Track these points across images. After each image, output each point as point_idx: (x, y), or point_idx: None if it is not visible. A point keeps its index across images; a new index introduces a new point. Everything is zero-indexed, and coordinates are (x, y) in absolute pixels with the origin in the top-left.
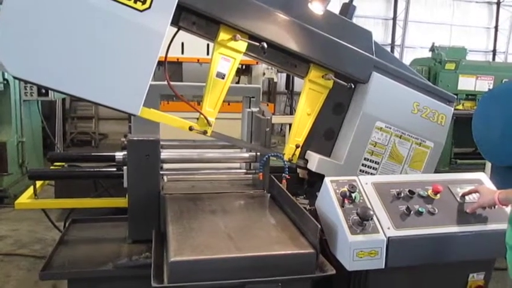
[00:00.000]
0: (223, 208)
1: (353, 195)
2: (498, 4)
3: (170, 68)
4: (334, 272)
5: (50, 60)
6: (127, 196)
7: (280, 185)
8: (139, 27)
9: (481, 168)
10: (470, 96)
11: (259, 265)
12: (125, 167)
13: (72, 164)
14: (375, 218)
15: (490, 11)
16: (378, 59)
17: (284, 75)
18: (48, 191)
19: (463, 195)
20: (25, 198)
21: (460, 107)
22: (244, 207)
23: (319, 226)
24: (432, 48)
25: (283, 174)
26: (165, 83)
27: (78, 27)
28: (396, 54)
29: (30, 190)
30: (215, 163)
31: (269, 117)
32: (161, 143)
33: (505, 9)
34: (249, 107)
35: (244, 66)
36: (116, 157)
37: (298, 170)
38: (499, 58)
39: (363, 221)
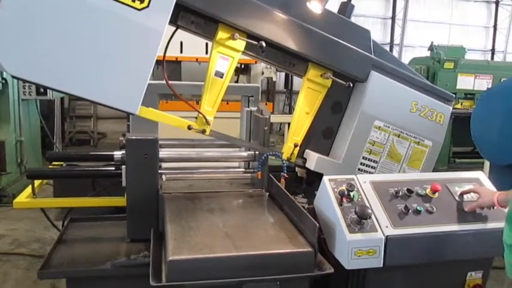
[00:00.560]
0: (221, 207)
1: (351, 194)
2: (497, 3)
3: (169, 67)
4: (332, 270)
5: (49, 59)
6: (125, 195)
7: (279, 184)
8: (137, 26)
9: (479, 167)
10: (469, 95)
11: (257, 264)
12: (123, 166)
13: (71, 163)
14: (373, 216)
15: (489, 10)
16: (376, 58)
17: (283, 74)
18: (47, 190)
19: (462, 194)
20: (23, 198)
21: (458, 106)
22: (243, 206)
23: (318, 225)
24: (431, 48)
25: (282, 173)
26: (164, 82)
27: (77, 26)
28: (395, 53)
29: (29, 189)
30: (214, 162)
31: (268, 116)
32: (160, 142)
33: (504, 8)
34: (248, 106)
35: (243, 65)
36: (115, 156)
37: (297, 169)
38: (498, 57)
39: (361, 219)
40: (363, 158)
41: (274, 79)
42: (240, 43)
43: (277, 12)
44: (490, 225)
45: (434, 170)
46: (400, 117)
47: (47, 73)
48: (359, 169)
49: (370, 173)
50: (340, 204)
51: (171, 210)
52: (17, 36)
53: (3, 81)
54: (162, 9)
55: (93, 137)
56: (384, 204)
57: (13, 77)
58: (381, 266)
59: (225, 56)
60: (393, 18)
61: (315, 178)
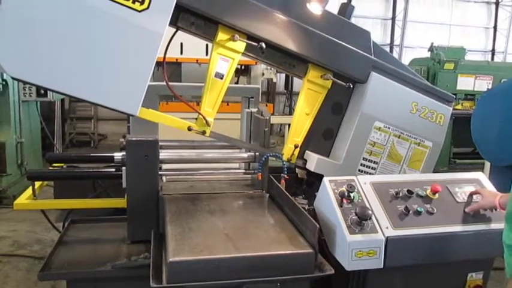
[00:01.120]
0: (222, 208)
1: (351, 195)
2: (497, 4)
3: (169, 69)
4: (332, 271)
5: (48, 60)
6: (126, 196)
7: (279, 185)
8: (137, 27)
9: (480, 168)
10: (469, 96)
11: (257, 265)
12: (123, 168)
13: (71, 165)
14: (373, 217)
15: (489, 11)
16: (376, 59)
17: (283, 75)
18: (47, 192)
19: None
20: (24, 199)
21: (459, 106)
22: (243, 208)
23: (318, 226)
24: (431, 48)
25: (282, 174)
26: (164, 83)
27: (76, 27)
28: (395, 54)
29: (29, 191)
30: (214, 163)
31: (268, 118)
32: (160, 143)
33: (504, 9)
34: (248, 107)
35: (243, 67)
36: (115, 158)
37: (297, 170)
38: (498, 58)
39: (361, 220)
40: (363, 159)
41: (274, 80)
42: (240, 44)
43: (277, 14)
44: (491, 226)
45: (435, 171)
46: (400, 118)
47: (47, 75)
48: (359, 170)
49: (370, 174)
50: (341, 205)
51: (171, 212)
52: (17, 38)
53: (4, 82)
54: (162, 10)
55: (94, 138)
56: (384, 205)
57: (13, 78)
58: (381, 267)
59: (225, 57)
60: (393, 19)
61: (315, 179)
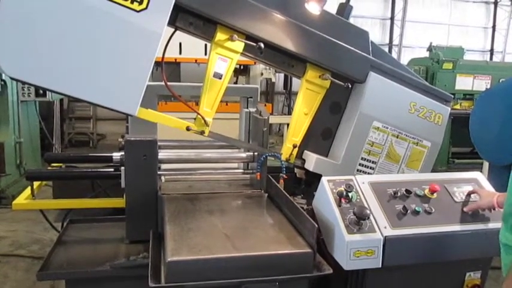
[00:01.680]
0: (220, 208)
1: (350, 194)
2: (495, 4)
3: (168, 68)
4: (331, 271)
5: (47, 61)
6: (125, 196)
7: (278, 184)
8: (136, 27)
9: (478, 167)
10: (468, 95)
11: (256, 265)
12: (122, 168)
13: (70, 165)
14: (371, 217)
15: (488, 11)
16: (374, 58)
17: (282, 75)
18: (46, 192)
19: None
20: (23, 199)
21: (457, 106)
22: (242, 207)
23: (316, 226)
24: (430, 48)
25: (281, 174)
26: (163, 83)
27: (75, 27)
28: (394, 54)
29: (28, 191)
30: (213, 163)
31: (266, 117)
32: (159, 143)
33: (503, 9)
34: (247, 107)
35: (242, 67)
36: (114, 157)
37: (296, 170)
38: (497, 58)
39: (359, 220)
40: (362, 158)
41: (273, 80)
42: (239, 44)
43: (276, 14)
44: (489, 225)
45: (434, 171)
46: (398, 118)
47: (45, 75)
48: (358, 170)
49: (368, 173)
50: (339, 205)
51: (170, 211)
52: (15, 38)
53: (2, 82)
54: (161, 10)
55: (92, 138)
56: (383, 204)
57: (12, 78)
58: (380, 266)
59: (223, 57)
60: (392, 18)
61: (313, 179)
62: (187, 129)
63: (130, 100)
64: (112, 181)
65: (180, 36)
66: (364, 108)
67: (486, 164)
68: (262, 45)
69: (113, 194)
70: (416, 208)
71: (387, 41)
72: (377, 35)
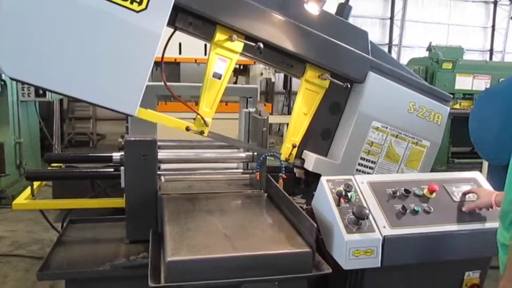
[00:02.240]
0: (220, 208)
1: (349, 194)
2: (495, 3)
3: (167, 68)
4: (330, 270)
5: (47, 61)
6: (124, 196)
7: (277, 184)
8: (135, 28)
9: (478, 167)
10: (468, 95)
11: (256, 264)
12: (122, 168)
13: (70, 165)
14: (370, 217)
15: (487, 11)
16: (374, 59)
17: (282, 75)
18: (46, 192)
19: (464, 194)
20: (23, 199)
21: (457, 106)
22: (241, 207)
23: (316, 225)
24: (429, 48)
25: (280, 174)
26: (162, 83)
27: (75, 28)
28: (394, 53)
29: (28, 191)
30: (212, 163)
31: (266, 117)
32: (158, 143)
33: (502, 9)
34: (246, 107)
35: (241, 66)
36: (113, 158)
37: (295, 170)
38: (496, 57)
39: (358, 220)
40: (361, 158)
41: (273, 80)
42: (238, 44)
43: (275, 14)
44: (487, 225)
45: (433, 170)
46: (397, 117)
47: (45, 75)
48: (357, 170)
49: (368, 173)
50: (338, 204)
51: (169, 211)
52: (15, 38)
53: (2, 83)
54: (160, 11)
55: (92, 138)
56: (382, 204)
57: (12, 79)
58: (379, 266)
59: (223, 57)
60: (392, 18)
61: (313, 179)
62: (187, 129)
63: (130, 100)
64: (112, 181)
65: (180, 36)
66: (364, 108)
67: (486, 164)
68: (261, 45)
69: (112, 194)
70: (415, 208)
71: (387, 41)
72: (376, 35)
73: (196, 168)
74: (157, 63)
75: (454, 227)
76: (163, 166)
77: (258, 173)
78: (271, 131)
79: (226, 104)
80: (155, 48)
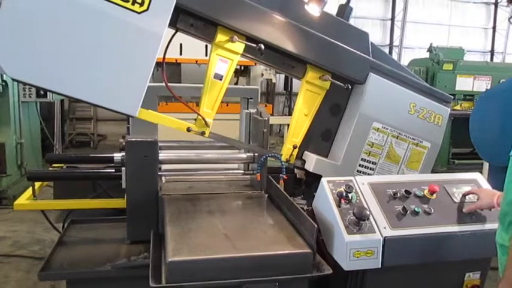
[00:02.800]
0: (221, 208)
1: (349, 195)
2: (496, 4)
3: (168, 69)
4: (331, 271)
5: (48, 62)
6: (125, 197)
7: (278, 185)
8: (137, 29)
9: (479, 168)
10: (468, 96)
11: (256, 265)
12: (123, 168)
13: (71, 165)
14: (371, 217)
15: (488, 12)
16: (374, 60)
17: (282, 76)
18: (47, 192)
19: (464, 195)
20: (24, 199)
21: (458, 107)
22: (242, 208)
23: (316, 226)
24: (430, 49)
25: (281, 175)
26: (163, 84)
27: (76, 28)
28: (394, 54)
29: (29, 191)
30: (213, 164)
31: (267, 118)
32: (159, 144)
33: (503, 10)
34: (247, 108)
35: (242, 67)
36: (115, 158)
37: (296, 171)
38: (497, 58)
39: (359, 220)
40: (362, 159)
41: (273, 81)
42: (239, 45)
43: (276, 15)
44: (488, 226)
45: (434, 171)
46: (398, 118)
47: (46, 76)
48: (358, 171)
49: (368, 174)
50: (339, 205)
51: (170, 212)
52: (16, 39)
53: (3, 83)
54: (162, 12)
55: (93, 139)
56: (382, 205)
57: (13, 79)
58: (379, 266)
59: (224, 58)
60: (392, 19)
61: (313, 180)
62: (188, 130)
63: (131, 101)
64: (113, 182)
65: (181, 37)
66: (364, 109)
67: (486, 165)
68: (262, 46)
69: (114, 194)
70: (416, 209)
71: (388, 42)
72: (377, 36)
73: (197, 168)
74: (158, 64)
75: (454, 228)
76: (164, 167)
77: (259, 174)
78: (272, 132)
79: (227, 105)
80: (156, 49)
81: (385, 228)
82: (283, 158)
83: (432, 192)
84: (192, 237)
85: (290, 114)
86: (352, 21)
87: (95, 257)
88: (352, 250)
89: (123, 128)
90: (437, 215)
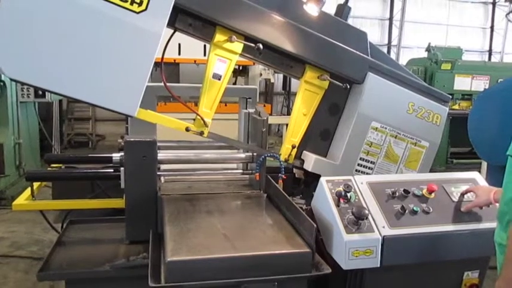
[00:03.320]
0: (220, 208)
1: (348, 194)
2: (494, 4)
3: (167, 69)
4: (330, 271)
5: (46, 62)
6: (124, 197)
7: (277, 185)
8: (135, 28)
9: (477, 167)
10: (466, 96)
11: (255, 265)
12: (122, 168)
13: (70, 166)
14: (370, 217)
15: (486, 11)
16: (373, 59)
17: (281, 75)
18: (46, 193)
19: (462, 194)
20: (22, 200)
21: (456, 106)
22: (241, 208)
23: (315, 226)
24: (428, 49)
25: (280, 175)
26: (162, 84)
27: (74, 29)
28: (393, 54)
29: (28, 191)
30: (212, 164)
31: (265, 118)
32: (158, 144)
33: (501, 9)
34: (246, 108)
35: (241, 67)
36: (113, 158)
37: (295, 170)
38: (495, 58)
39: (358, 220)
40: (360, 159)
41: (272, 80)
42: (238, 45)
43: (275, 15)
44: (486, 225)
45: (432, 171)
46: (397, 118)
47: (45, 76)
48: (356, 170)
49: (367, 173)
50: (338, 205)
51: (169, 212)
52: (15, 39)
53: (2, 83)
54: (160, 12)
55: (92, 139)
56: (381, 204)
57: (11, 79)
58: (378, 266)
59: (222, 58)
60: (391, 19)
61: (312, 179)
62: (187, 129)
63: (130, 101)
64: (112, 182)
65: (179, 36)
66: (363, 109)
67: (485, 164)
68: (261, 46)
69: (112, 194)
70: (415, 208)
71: (386, 42)
72: (376, 36)
73: (196, 168)
74: (156, 64)
75: (453, 227)
76: (163, 167)
77: (258, 174)
78: (271, 132)
79: (226, 105)
80: (155, 49)
81: (383, 227)
82: (282, 158)
83: (431, 192)
84: (191, 237)
85: (289, 114)
86: (350, 21)
87: (94, 257)
88: (351, 249)
89: (122, 128)
90: (435, 214)
